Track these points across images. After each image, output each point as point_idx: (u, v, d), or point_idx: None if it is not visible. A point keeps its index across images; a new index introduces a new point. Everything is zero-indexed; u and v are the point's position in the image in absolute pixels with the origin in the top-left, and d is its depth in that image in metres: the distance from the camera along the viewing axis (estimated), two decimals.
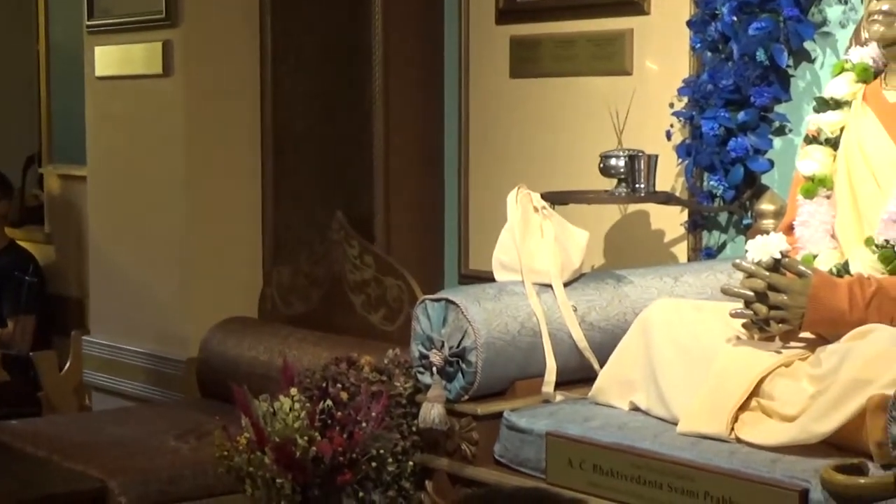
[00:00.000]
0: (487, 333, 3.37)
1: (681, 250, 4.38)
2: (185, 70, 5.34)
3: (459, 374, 3.39)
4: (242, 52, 5.44)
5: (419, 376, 3.48)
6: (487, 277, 3.68)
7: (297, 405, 3.41)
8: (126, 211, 5.63)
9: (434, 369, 3.41)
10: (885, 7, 3.21)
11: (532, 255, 3.55)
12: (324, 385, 3.57)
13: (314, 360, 4.19)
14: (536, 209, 3.61)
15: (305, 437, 3.36)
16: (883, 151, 3.24)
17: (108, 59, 5.67)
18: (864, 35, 3.38)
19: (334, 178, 5.29)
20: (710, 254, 4.26)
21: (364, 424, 3.43)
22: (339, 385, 3.56)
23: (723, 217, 4.28)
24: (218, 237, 5.38)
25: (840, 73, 3.43)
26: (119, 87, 5.64)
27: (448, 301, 3.42)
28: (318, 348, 4.52)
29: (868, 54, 3.40)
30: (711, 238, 4.31)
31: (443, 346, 3.40)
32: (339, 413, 3.45)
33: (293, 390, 3.45)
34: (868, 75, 3.38)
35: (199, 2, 5.34)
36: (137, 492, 4.02)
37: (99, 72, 5.72)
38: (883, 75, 3.36)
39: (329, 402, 3.46)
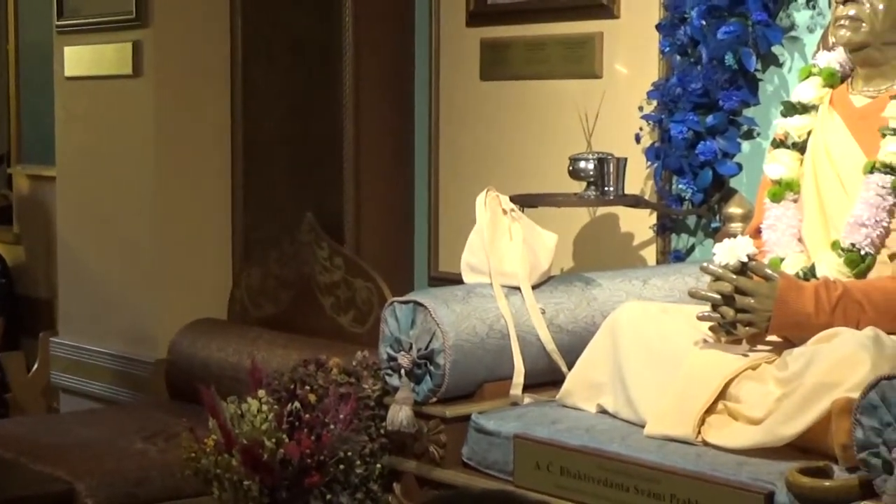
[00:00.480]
0: (456, 336, 3.38)
1: (649, 253, 4.39)
2: (155, 70, 5.33)
3: (427, 377, 3.39)
4: (212, 53, 5.43)
5: (387, 378, 3.48)
6: (457, 279, 3.68)
7: (265, 407, 3.41)
8: (95, 212, 5.61)
9: (402, 371, 3.41)
10: (851, 12, 3.22)
11: (501, 257, 3.55)
12: (292, 387, 3.56)
13: (283, 362, 4.18)
14: (505, 212, 3.61)
15: (273, 439, 3.35)
16: (849, 156, 3.25)
17: (77, 59, 5.65)
18: (832, 40, 3.39)
19: (304, 180, 5.29)
20: (679, 257, 4.27)
21: (332, 426, 3.43)
22: (307, 387, 3.56)
23: (691, 220, 4.29)
24: (187, 238, 5.37)
25: (807, 77, 3.44)
26: (89, 87, 5.62)
27: (416, 303, 3.42)
28: (287, 350, 4.51)
29: (835, 59, 3.41)
30: (680, 241, 4.32)
31: (411, 348, 3.40)
32: (307, 415, 3.45)
33: (261, 392, 3.45)
34: (835, 80, 3.40)
35: (170, 2, 5.33)
36: (105, 494, 4.01)
37: (68, 72, 5.70)
38: (850, 80, 3.38)
39: (297, 404, 3.46)
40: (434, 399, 3.40)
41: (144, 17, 5.31)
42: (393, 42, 5.14)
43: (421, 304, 3.40)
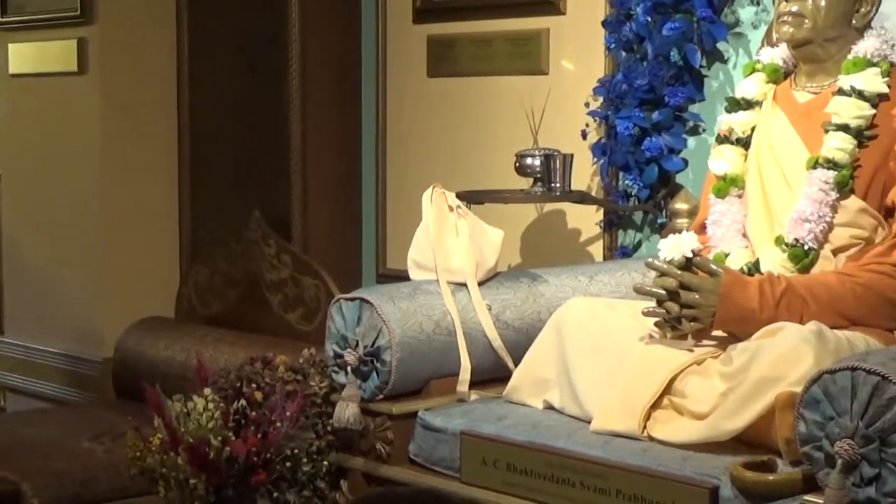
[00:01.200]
0: (402, 332, 3.37)
1: (596, 249, 4.40)
2: (101, 68, 5.30)
3: (374, 374, 3.39)
4: (158, 50, 5.40)
5: (334, 376, 3.47)
6: (405, 276, 3.67)
7: (210, 405, 3.40)
8: (41, 209, 5.57)
9: (349, 368, 3.40)
10: (794, 8, 3.24)
11: (447, 254, 3.55)
12: (238, 385, 3.55)
13: (231, 360, 4.17)
14: (451, 208, 3.61)
15: (219, 438, 3.35)
16: (792, 151, 3.27)
17: (21, 56, 5.62)
18: (775, 36, 3.41)
19: (251, 177, 5.27)
20: (626, 252, 4.28)
21: (279, 424, 3.42)
22: (253, 385, 3.55)
23: (638, 216, 4.30)
24: (134, 236, 5.34)
25: (751, 73, 3.46)
26: (33, 84, 5.58)
27: (362, 300, 3.41)
28: (234, 348, 4.50)
29: (778, 55, 3.43)
30: (627, 237, 4.33)
31: (357, 345, 3.39)
32: (254, 413, 3.44)
33: (207, 390, 3.44)
34: (778, 76, 3.41)
35: None
36: (51, 494, 3.98)
37: (13, 69, 5.66)
38: (793, 76, 3.40)
39: (243, 402, 3.45)
40: (381, 396, 3.40)
41: (89, 14, 5.28)
42: (340, 39, 5.13)
43: (367, 302, 3.40)
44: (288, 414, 3.42)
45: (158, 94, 5.41)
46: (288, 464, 3.45)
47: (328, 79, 5.10)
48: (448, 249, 3.56)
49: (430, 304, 3.47)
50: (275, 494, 3.49)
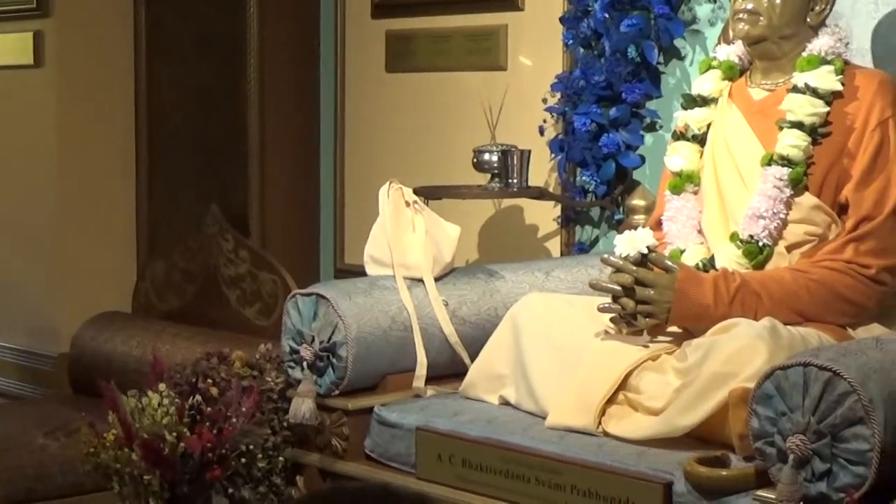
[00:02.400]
0: (358, 328, 3.37)
1: (554, 245, 4.41)
2: (57, 61, 5.28)
3: (330, 369, 3.39)
4: (116, 44, 5.38)
5: (290, 371, 3.47)
6: (364, 271, 3.67)
7: (165, 401, 3.38)
8: None
9: (305, 364, 3.40)
10: (749, 6, 3.25)
11: (403, 249, 3.55)
12: (194, 380, 3.54)
13: (187, 355, 4.16)
14: (408, 204, 3.61)
15: (174, 433, 3.32)
16: (748, 148, 3.27)
17: None
18: (731, 33, 3.42)
19: (209, 172, 5.26)
20: (583, 248, 4.29)
21: (234, 420, 3.40)
22: (209, 380, 3.53)
23: (595, 212, 4.31)
24: (91, 231, 5.32)
25: (707, 70, 3.46)
26: None
27: (319, 296, 3.40)
28: (191, 343, 4.49)
29: (734, 52, 3.44)
30: (584, 233, 4.34)
31: (313, 340, 3.39)
32: (209, 409, 3.42)
33: (162, 386, 3.42)
34: (734, 73, 3.42)
35: None
36: (4, 490, 3.96)
37: None
38: (748, 73, 3.41)
39: (198, 397, 3.43)
40: (337, 392, 3.40)
41: (46, 7, 5.26)
42: (298, 34, 5.13)
43: (323, 297, 3.39)
44: (243, 409, 3.41)
45: (116, 88, 5.39)
46: (243, 459, 3.44)
47: (287, 74, 5.10)
48: (404, 245, 3.56)
49: (386, 299, 3.46)
50: (230, 490, 3.48)
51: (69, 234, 5.29)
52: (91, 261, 5.31)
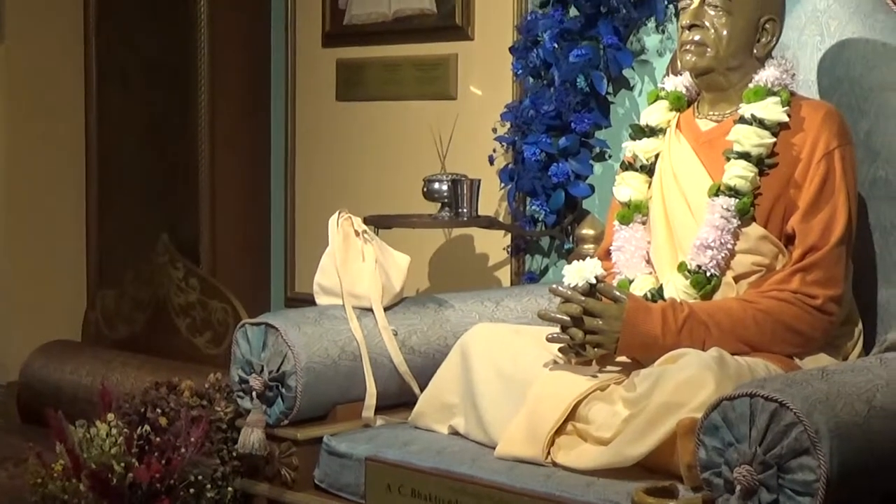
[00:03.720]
0: (307, 358, 3.37)
1: (504, 274, 4.42)
2: (7, 89, 5.26)
3: (279, 399, 3.38)
4: (67, 71, 5.37)
5: (239, 401, 3.46)
6: (314, 301, 3.67)
7: (114, 431, 3.37)
8: None
9: (254, 394, 3.39)
10: (696, 38, 3.27)
11: (353, 279, 3.55)
12: (143, 410, 3.53)
13: (137, 384, 4.15)
14: (357, 233, 3.61)
15: (122, 464, 3.31)
16: (695, 179, 3.29)
17: None
18: (679, 64, 3.44)
19: (160, 201, 5.25)
20: (533, 278, 4.30)
21: (183, 450, 3.39)
22: (158, 410, 3.52)
23: (545, 241, 4.32)
24: (40, 259, 5.29)
25: (655, 101, 3.48)
26: None
27: (268, 325, 3.40)
28: (141, 372, 4.47)
29: (682, 83, 3.46)
30: (534, 262, 4.35)
31: (262, 370, 3.38)
32: (158, 438, 3.41)
33: (110, 415, 3.40)
34: (681, 104, 3.44)
35: (23, 19, 5.26)
36: None
37: None
38: (696, 104, 3.43)
39: (147, 427, 3.42)
40: (286, 421, 3.39)
41: None
42: (249, 63, 5.13)
43: (272, 326, 3.39)
44: (192, 439, 3.40)
45: (67, 116, 5.37)
46: (192, 490, 3.42)
47: (237, 102, 5.09)
48: (354, 275, 3.56)
49: (335, 329, 3.46)
50: None
51: (18, 263, 5.26)
52: (40, 289, 5.29)
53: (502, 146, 4.31)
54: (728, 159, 3.22)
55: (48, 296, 5.31)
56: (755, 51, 3.30)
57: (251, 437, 3.36)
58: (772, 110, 3.22)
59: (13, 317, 5.27)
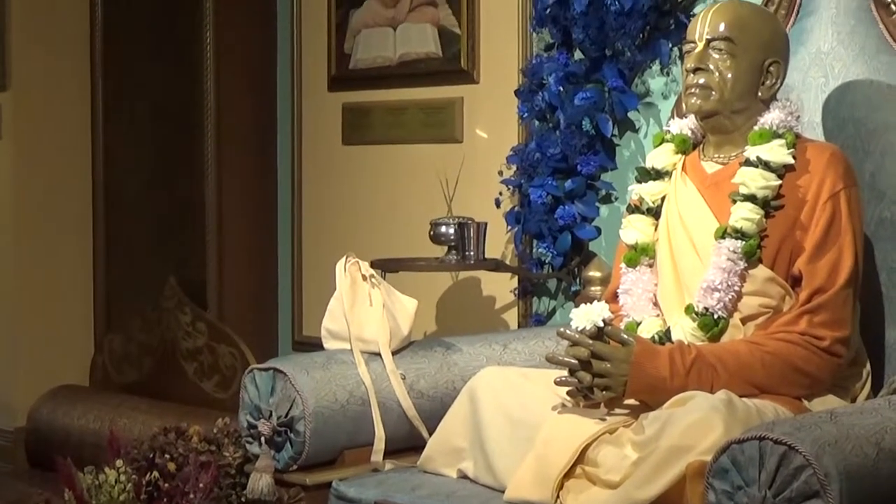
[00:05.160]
0: (316, 402, 3.37)
1: (511, 316, 4.42)
2: (16, 133, 5.28)
3: (288, 444, 3.38)
4: (74, 115, 5.40)
5: (248, 446, 3.46)
6: (322, 344, 3.67)
7: (122, 477, 3.37)
8: None
9: (262, 439, 3.39)
10: (701, 80, 3.28)
11: (360, 323, 3.55)
12: (151, 456, 3.53)
13: (145, 429, 4.15)
14: (365, 277, 3.62)
15: None
16: (702, 221, 3.30)
17: None
18: (684, 107, 3.45)
19: (167, 244, 5.26)
20: (540, 320, 4.30)
21: (191, 496, 3.40)
22: (166, 455, 3.53)
23: (552, 284, 4.33)
24: (47, 304, 5.30)
25: (660, 143, 3.49)
26: None
27: (276, 370, 3.40)
28: (149, 416, 4.48)
29: (687, 126, 3.47)
30: (541, 304, 4.36)
31: (271, 415, 3.38)
32: (167, 484, 3.42)
33: (119, 462, 3.41)
34: (687, 146, 3.45)
35: (29, 65, 5.29)
36: None
37: None
38: (701, 146, 3.43)
39: (156, 473, 3.43)
40: (295, 466, 3.39)
41: (4, 80, 5.26)
42: (255, 106, 5.15)
43: (280, 371, 3.39)
44: (201, 485, 3.41)
45: (74, 159, 5.39)
46: None
47: (244, 146, 5.12)
48: (361, 319, 3.56)
49: (343, 373, 3.47)
50: None
51: (26, 307, 5.27)
52: (47, 334, 5.29)
53: (508, 189, 4.32)
54: (734, 202, 3.22)
55: (56, 341, 5.32)
56: (760, 93, 3.31)
57: (260, 482, 3.36)
58: (777, 153, 3.23)
59: (20, 361, 5.27)
